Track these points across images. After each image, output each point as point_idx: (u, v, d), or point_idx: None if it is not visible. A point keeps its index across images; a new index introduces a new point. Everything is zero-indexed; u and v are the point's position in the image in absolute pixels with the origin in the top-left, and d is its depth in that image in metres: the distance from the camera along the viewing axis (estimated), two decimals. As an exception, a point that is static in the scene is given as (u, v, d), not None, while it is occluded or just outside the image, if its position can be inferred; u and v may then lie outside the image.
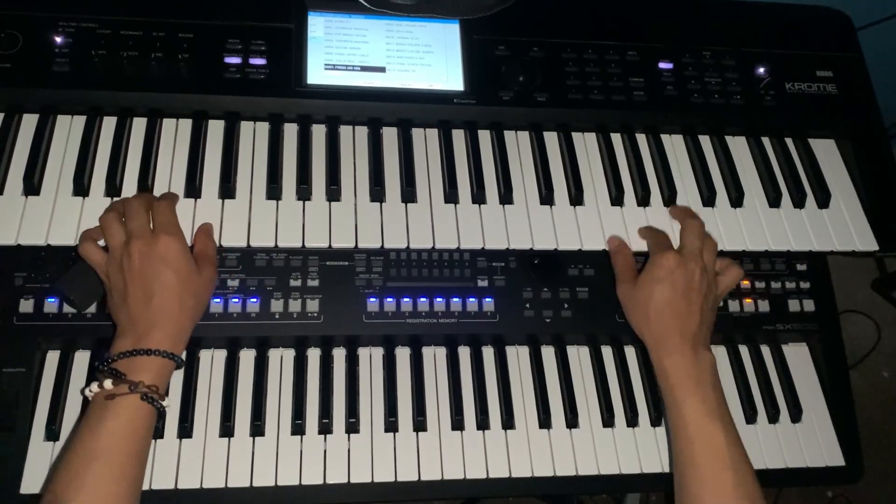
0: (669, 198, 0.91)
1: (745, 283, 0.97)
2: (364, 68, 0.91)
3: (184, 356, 0.78)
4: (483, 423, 0.87)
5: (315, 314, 0.88)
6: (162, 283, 0.75)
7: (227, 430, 0.84)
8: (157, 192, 0.84)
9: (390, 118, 0.92)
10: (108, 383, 0.71)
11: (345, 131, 0.91)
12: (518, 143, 0.93)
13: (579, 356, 0.94)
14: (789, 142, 0.98)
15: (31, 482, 0.79)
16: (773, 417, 0.93)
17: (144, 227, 0.77)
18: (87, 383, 0.74)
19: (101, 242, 0.79)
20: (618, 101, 0.93)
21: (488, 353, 0.92)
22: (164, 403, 0.73)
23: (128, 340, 0.73)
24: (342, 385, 0.87)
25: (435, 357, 0.91)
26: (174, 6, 0.89)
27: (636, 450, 0.89)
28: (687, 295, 0.81)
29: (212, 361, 0.88)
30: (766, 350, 0.97)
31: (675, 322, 0.81)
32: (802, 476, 0.91)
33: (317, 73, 0.89)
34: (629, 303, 0.86)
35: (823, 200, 0.93)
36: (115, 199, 0.82)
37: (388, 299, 0.90)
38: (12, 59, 0.84)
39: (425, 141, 0.92)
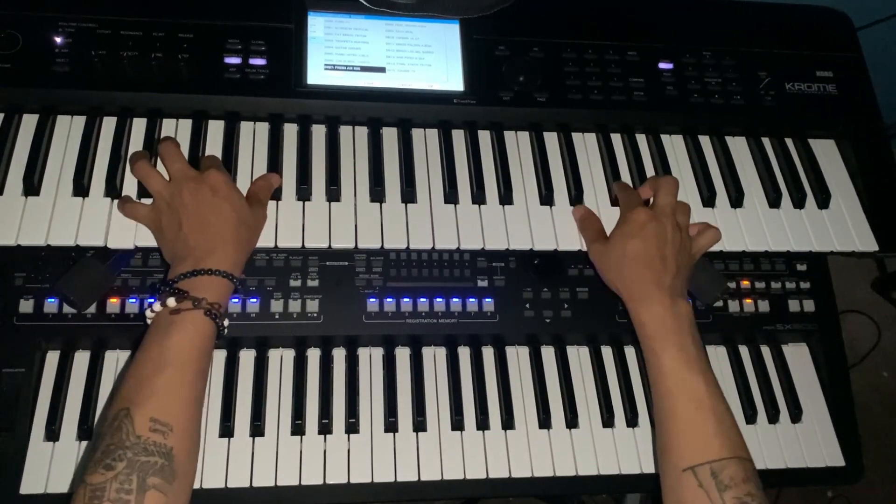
0: (669, 198, 0.91)
1: (745, 283, 0.98)
2: (364, 68, 0.91)
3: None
4: (483, 424, 0.87)
5: (315, 314, 0.88)
6: (217, 212, 0.76)
7: (226, 430, 0.84)
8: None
9: (390, 118, 0.92)
10: (171, 301, 0.72)
11: (345, 131, 0.91)
12: (518, 143, 0.93)
13: (579, 356, 0.94)
14: (789, 142, 0.98)
15: (31, 482, 0.79)
16: (773, 417, 0.93)
17: (187, 166, 0.80)
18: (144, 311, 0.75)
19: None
20: (618, 101, 0.93)
21: (488, 353, 0.92)
22: (226, 323, 0.74)
23: (187, 263, 0.74)
24: (342, 385, 0.87)
25: (435, 357, 0.91)
26: (174, 6, 0.89)
27: (636, 450, 0.89)
28: (660, 247, 0.81)
29: (211, 362, 0.87)
30: (766, 350, 0.97)
31: (650, 273, 0.80)
32: (802, 476, 0.91)
33: (317, 74, 0.89)
34: (602, 260, 0.85)
35: (823, 201, 0.92)
36: (115, 199, 0.82)
37: (388, 299, 0.90)
38: (12, 59, 0.84)
39: (425, 141, 0.92)
